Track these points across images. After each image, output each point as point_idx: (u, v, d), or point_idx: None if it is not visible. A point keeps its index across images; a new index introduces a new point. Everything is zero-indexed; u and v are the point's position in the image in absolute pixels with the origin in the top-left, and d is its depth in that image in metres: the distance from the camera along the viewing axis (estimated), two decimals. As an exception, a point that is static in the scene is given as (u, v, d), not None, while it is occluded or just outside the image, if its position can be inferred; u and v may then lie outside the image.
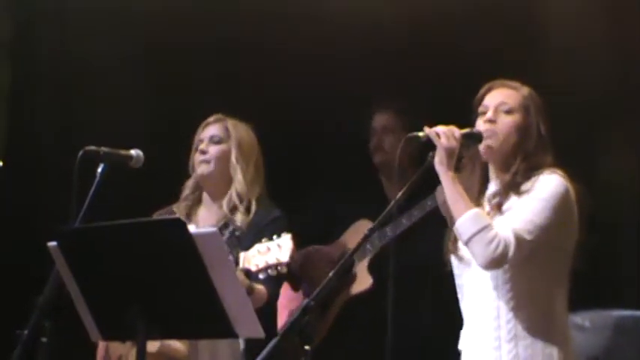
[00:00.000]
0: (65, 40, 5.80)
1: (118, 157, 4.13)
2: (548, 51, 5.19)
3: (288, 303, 5.09)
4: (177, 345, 4.09)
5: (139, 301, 3.36)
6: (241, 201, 4.40)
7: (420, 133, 3.66)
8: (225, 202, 4.41)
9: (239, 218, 4.36)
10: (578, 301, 3.88)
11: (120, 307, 3.38)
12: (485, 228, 3.56)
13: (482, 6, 5.32)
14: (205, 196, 4.53)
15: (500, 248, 3.55)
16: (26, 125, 5.81)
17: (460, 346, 3.86)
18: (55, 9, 5.84)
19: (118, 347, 4.27)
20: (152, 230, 3.42)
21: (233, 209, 4.40)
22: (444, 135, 3.62)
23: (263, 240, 3.78)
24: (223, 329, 3.35)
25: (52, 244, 3.50)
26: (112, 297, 3.43)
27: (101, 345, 4.35)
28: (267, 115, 5.56)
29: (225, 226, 4.25)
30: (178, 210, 4.49)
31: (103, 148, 4.06)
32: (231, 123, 4.54)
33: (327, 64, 5.53)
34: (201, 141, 4.53)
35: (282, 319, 4.92)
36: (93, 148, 4.04)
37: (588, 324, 4.53)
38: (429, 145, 3.64)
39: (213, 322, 3.37)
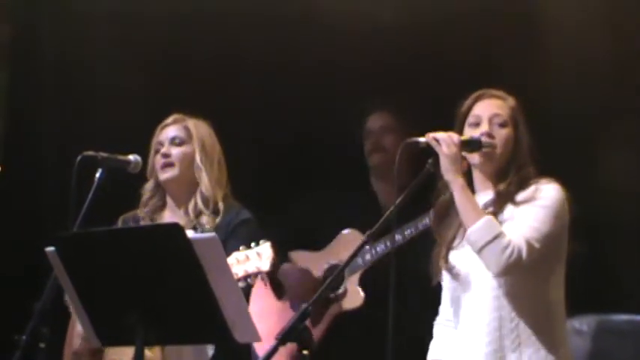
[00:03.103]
0: (65, 42, 5.79)
1: (116, 162, 4.12)
2: (548, 52, 5.19)
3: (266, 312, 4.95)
4: (148, 354, 3.90)
5: (138, 306, 3.35)
6: (207, 204, 4.28)
7: (420, 139, 3.66)
8: (190, 207, 4.29)
9: (205, 221, 4.25)
10: (576, 306, 3.89)
11: (118, 313, 3.37)
12: (499, 235, 3.57)
13: (483, 7, 5.32)
14: (169, 200, 4.39)
15: (515, 255, 3.56)
16: (25, 129, 5.80)
17: (434, 357, 3.84)
18: (54, 11, 5.83)
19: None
20: (150, 235, 3.42)
21: (199, 214, 4.28)
22: (444, 142, 3.61)
23: (241, 248, 3.74)
24: (221, 334, 3.34)
25: (50, 249, 3.48)
26: (110, 302, 3.43)
27: (68, 354, 4.27)
28: (267, 115, 5.57)
29: (194, 230, 4.17)
30: (142, 215, 4.38)
31: (102, 153, 4.06)
32: (191, 123, 4.38)
33: (325, 65, 5.53)
34: (161, 144, 4.37)
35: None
36: (91, 153, 4.03)
37: (586, 328, 4.53)
38: (429, 151, 3.63)
39: (211, 327, 3.36)
